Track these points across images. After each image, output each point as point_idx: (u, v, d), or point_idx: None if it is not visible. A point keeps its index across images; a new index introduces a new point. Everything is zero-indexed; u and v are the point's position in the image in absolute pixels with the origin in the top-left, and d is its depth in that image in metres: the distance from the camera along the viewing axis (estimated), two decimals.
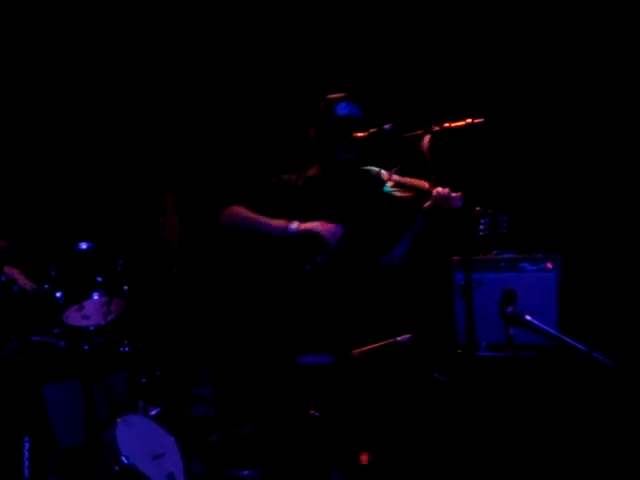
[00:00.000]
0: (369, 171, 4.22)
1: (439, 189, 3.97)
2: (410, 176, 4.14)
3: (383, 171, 4.16)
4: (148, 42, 6.48)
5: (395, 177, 4.11)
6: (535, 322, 4.14)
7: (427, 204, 4.03)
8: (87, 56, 6.48)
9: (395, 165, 4.08)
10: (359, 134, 4.12)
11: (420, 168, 4.08)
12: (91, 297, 5.30)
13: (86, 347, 5.14)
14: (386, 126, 4.06)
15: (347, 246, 4.20)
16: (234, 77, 6.39)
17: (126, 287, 5.36)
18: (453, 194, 3.93)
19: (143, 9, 6.46)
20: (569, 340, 4.03)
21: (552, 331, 4.15)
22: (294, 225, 4.12)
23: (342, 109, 4.22)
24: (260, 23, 6.28)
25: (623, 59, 5.41)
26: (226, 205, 4.31)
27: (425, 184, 4.08)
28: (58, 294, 5.22)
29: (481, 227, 3.82)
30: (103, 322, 5.23)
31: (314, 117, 4.31)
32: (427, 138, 3.90)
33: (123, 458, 4.35)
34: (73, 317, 5.25)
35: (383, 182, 4.14)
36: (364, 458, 3.92)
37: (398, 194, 4.13)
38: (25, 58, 6.42)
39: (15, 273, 5.28)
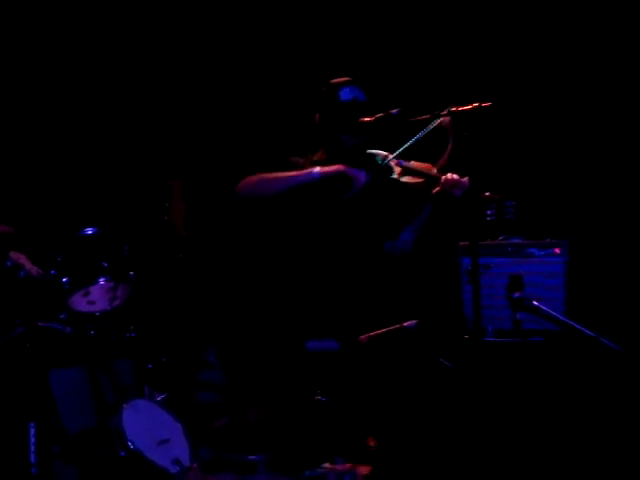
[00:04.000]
0: (375, 156, 4.20)
1: (448, 175, 3.96)
2: (417, 161, 4.13)
3: (390, 156, 4.14)
4: (154, 24, 6.46)
5: (402, 162, 4.10)
6: (542, 307, 4.13)
7: (436, 190, 4.02)
8: (92, 42, 6.46)
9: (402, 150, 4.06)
10: (366, 119, 4.10)
11: (427, 151, 4.07)
12: (97, 282, 5.30)
13: (92, 333, 5.14)
14: (393, 110, 4.04)
15: (354, 231, 4.19)
16: (239, 62, 6.37)
17: (132, 273, 5.35)
18: (462, 179, 3.91)
19: None
20: (577, 325, 4.02)
21: (559, 316, 4.14)
22: (317, 169, 4.10)
23: (346, 94, 4.20)
24: (265, 7, 6.26)
25: (631, 44, 5.37)
26: (232, 187, 4.31)
27: (433, 169, 4.07)
28: (64, 279, 5.21)
29: (488, 212, 3.81)
30: (109, 308, 5.23)
31: (318, 102, 4.29)
32: (450, 119, 3.90)
33: (129, 443, 4.35)
34: (79, 303, 5.25)
35: (390, 167, 4.12)
36: (371, 442, 3.93)
37: (406, 180, 4.11)
38: (32, 45, 6.41)
39: (21, 258, 5.28)
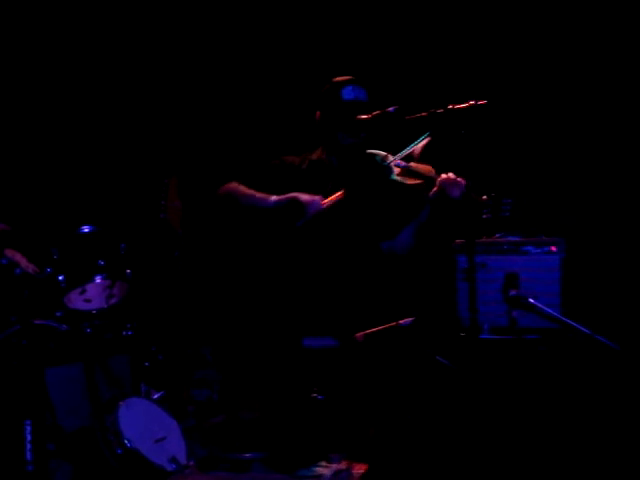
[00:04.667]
0: (375, 156, 4.20)
1: (444, 175, 3.96)
2: (416, 162, 4.13)
3: (390, 156, 4.15)
4: (150, 25, 6.45)
5: (402, 163, 4.10)
6: (538, 305, 4.13)
7: (433, 191, 4.02)
8: (89, 41, 6.45)
9: (400, 148, 4.07)
10: (363, 116, 4.10)
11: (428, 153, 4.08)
12: (93, 280, 5.30)
13: (88, 330, 5.14)
14: (390, 108, 4.04)
15: (352, 230, 4.19)
16: (236, 59, 6.36)
17: (129, 270, 5.35)
18: (458, 179, 3.92)
19: None
20: (572, 323, 4.02)
21: (555, 314, 4.15)
22: (273, 197, 4.14)
23: (348, 93, 4.19)
24: (263, 5, 6.25)
25: (625, 42, 5.38)
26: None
27: (432, 171, 4.07)
28: (60, 277, 5.21)
29: (484, 210, 3.81)
30: (105, 305, 5.22)
31: (320, 100, 4.28)
32: (422, 144, 3.93)
33: (126, 441, 4.35)
34: (75, 300, 5.24)
35: (389, 168, 4.13)
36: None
37: (405, 181, 4.11)
38: (29, 42, 6.40)
39: (17, 256, 5.27)
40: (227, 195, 4.30)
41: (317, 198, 4.09)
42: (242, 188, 4.26)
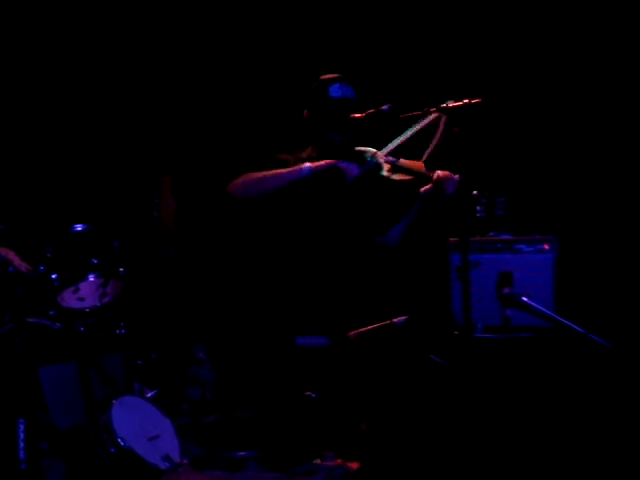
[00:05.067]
0: (364, 153, 4.19)
1: (439, 173, 3.96)
2: (405, 158, 4.13)
3: (379, 153, 4.14)
4: (144, 24, 6.45)
5: (392, 159, 4.09)
6: (532, 303, 4.14)
7: (426, 188, 4.02)
8: (82, 40, 6.44)
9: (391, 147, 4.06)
10: (356, 115, 4.09)
11: (414, 149, 4.06)
12: (87, 279, 5.30)
13: (82, 329, 5.14)
14: (384, 107, 4.03)
15: (343, 228, 4.19)
16: (228, 58, 6.36)
17: (122, 269, 5.35)
18: (453, 175, 3.91)
19: None
20: (566, 321, 4.03)
21: (549, 312, 4.15)
22: (307, 165, 4.08)
23: (336, 91, 4.18)
24: (254, 3, 6.25)
25: (622, 42, 5.39)
26: (222, 183, 4.30)
27: (422, 167, 4.06)
28: (53, 276, 5.21)
29: (478, 208, 3.82)
30: (99, 304, 5.22)
31: (307, 98, 4.27)
32: (445, 118, 3.88)
33: (119, 440, 4.34)
34: (69, 299, 5.24)
35: (379, 164, 4.12)
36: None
37: (395, 177, 4.11)
38: (24, 41, 6.39)
39: (10, 254, 5.27)
40: (243, 185, 4.20)
41: (353, 164, 4.05)
42: (258, 173, 4.17)
